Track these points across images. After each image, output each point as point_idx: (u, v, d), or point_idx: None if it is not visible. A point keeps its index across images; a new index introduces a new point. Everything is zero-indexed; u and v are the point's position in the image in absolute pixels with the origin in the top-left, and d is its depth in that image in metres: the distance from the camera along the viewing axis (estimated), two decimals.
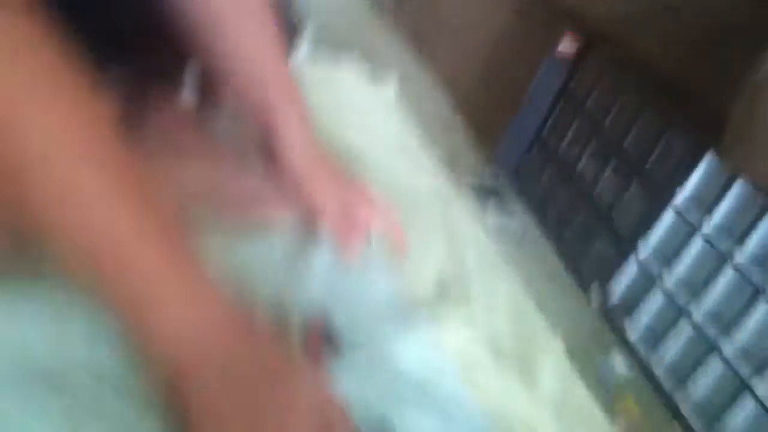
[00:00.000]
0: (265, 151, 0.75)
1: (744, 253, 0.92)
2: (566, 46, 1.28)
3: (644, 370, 1.03)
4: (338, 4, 1.89)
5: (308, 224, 0.70)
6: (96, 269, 0.37)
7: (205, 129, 0.87)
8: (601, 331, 1.09)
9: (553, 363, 0.89)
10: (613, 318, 1.09)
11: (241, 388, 0.35)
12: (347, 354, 0.57)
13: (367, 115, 1.34)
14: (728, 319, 0.94)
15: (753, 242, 0.91)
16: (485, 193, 1.26)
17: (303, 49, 1.22)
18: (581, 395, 0.88)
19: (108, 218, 0.36)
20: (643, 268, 1.05)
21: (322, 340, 0.57)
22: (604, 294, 1.11)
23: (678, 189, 1.01)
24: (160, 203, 0.39)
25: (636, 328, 1.06)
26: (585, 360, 1.10)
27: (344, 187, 0.69)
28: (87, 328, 0.41)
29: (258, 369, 0.37)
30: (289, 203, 0.71)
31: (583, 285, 1.14)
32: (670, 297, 1.01)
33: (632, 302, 1.07)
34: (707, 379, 0.97)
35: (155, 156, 0.74)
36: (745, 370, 0.91)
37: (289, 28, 1.08)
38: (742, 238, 0.92)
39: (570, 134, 1.21)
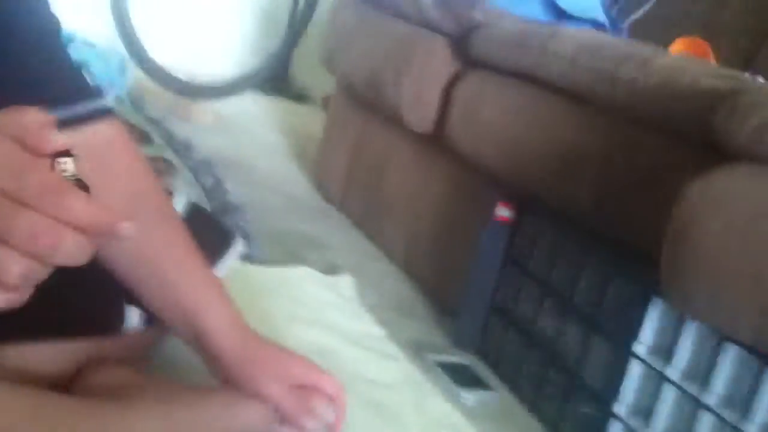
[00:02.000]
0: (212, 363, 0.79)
1: (713, 395, 0.89)
2: (503, 211, 1.31)
3: None
4: (286, 199, 1.94)
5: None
6: None
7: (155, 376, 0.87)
8: None
9: None
10: None
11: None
12: None
13: (323, 310, 1.33)
14: None
15: (719, 383, 0.88)
16: (456, 370, 1.24)
17: (234, 253, 1.21)
18: None
19: None
20: (625, 425, 1.02)
21: None
22: None
23: (636, 336, 1.00)
24: None
25: None
26: None
27: (289, 365, 0.80)
28: None
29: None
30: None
31: None
32: None
33: None
34: None
35: (106, 406, 0.72)
36: None
37: (221, 234, 1.08)
38: (707, 379, 0.90)
39: (522, 296, 1.21)
